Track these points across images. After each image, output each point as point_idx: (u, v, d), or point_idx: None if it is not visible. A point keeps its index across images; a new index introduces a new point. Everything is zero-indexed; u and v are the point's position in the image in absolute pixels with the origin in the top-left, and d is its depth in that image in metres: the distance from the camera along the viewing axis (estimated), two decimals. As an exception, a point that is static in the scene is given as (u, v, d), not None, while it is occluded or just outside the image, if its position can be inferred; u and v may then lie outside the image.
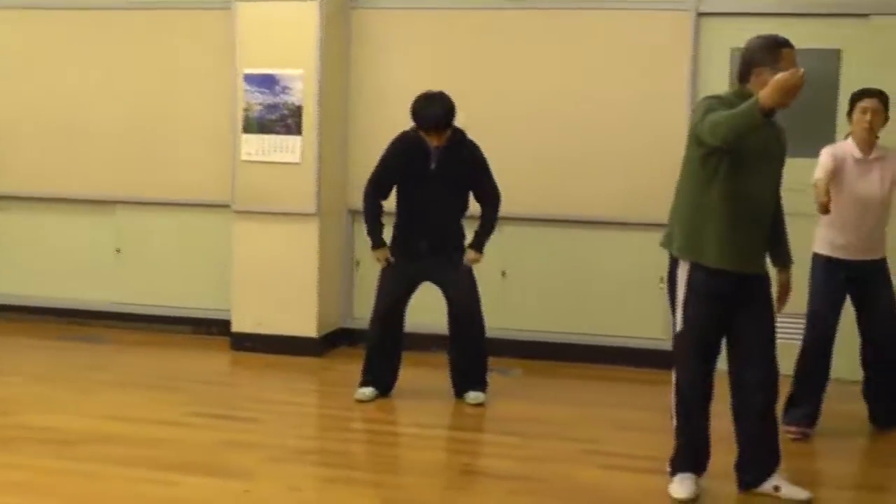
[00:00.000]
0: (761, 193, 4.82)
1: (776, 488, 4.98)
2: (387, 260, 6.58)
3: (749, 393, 4.96)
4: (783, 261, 5.14)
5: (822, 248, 5.96)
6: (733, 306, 4.87)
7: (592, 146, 7.60)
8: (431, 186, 6.41)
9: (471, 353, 6.61)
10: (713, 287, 4.81)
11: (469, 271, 6.58)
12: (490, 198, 6.59)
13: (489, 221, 6.62)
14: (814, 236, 6.03)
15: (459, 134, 6.45)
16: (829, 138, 6.70)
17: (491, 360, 6.70)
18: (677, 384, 5.00)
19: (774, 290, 5.07)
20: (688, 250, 4.86)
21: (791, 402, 6.03)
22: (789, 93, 4.31)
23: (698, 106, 4.83)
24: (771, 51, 4.74)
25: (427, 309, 6.92)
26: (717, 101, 4.74)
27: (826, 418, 6.08)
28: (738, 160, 4.70)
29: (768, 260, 5.09)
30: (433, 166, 6.40)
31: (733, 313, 4.89)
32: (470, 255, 6.57)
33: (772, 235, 5.04)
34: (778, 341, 5.00)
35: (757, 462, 5.03)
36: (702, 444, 5.02)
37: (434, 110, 6.26)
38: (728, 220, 4.75)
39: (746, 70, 4.79)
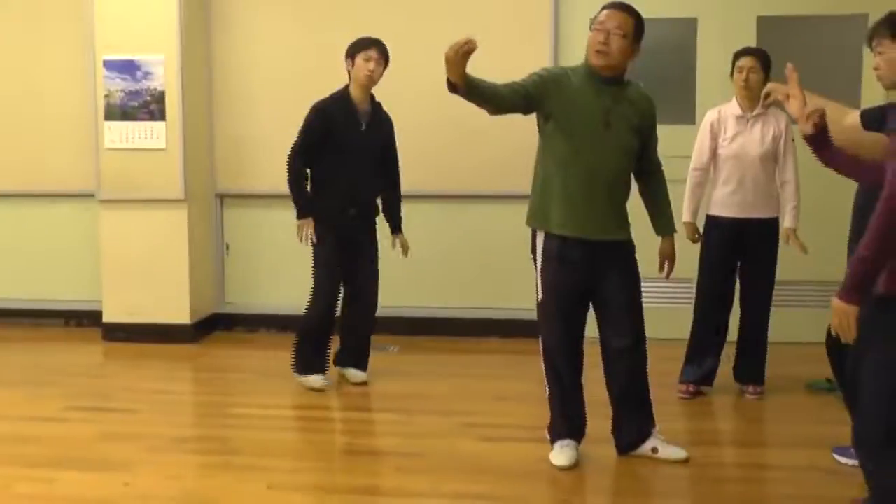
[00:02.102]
0: (602, 162, 4.82)
1: (654, 450, 5.08)
2: (312, 235, 6.28)
3: (616, 359, 5.04)
4: (665, 230, 5.20)
5: (712, 208, 6.14)
6: (593, 273, 4.92)
7: (458, 121, 7.61)
8: (361, 150, 6.28)
9: (362, 333, 6.61)
10: (565, 254, 4.87)
11: (377, 261, 6.57)
12: (397, 171, 6.58)
13: (399, 198, 6.64)
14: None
15: (375, 99, 6.45)
16: (690, 103, 6.87)
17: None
18: (544, 352, 5.06)
19: (648, 256, 5.18)
20: (538, 220, 4.95)
21: (686, 361, 6.21)
22: (447, 62, 4.31)
23: None
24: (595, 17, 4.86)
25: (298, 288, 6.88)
26: (542, 72, 4.86)
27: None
28: (570, 130, 4.79)
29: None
30: (363, 127, 6.32)
31: (595, 280, 4.94)
32: (403, 239, 6.67)
33: (651, 204, 5.15)
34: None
35: (632, 426, 5.12)
36: (576, 410, 5.08)
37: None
38: (567, 188, 4.81)
39: None
